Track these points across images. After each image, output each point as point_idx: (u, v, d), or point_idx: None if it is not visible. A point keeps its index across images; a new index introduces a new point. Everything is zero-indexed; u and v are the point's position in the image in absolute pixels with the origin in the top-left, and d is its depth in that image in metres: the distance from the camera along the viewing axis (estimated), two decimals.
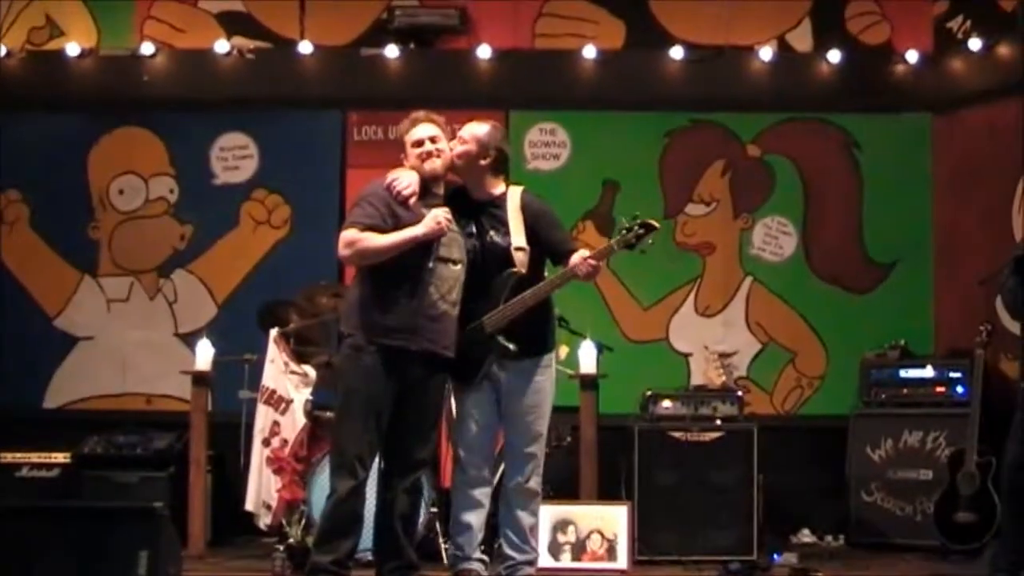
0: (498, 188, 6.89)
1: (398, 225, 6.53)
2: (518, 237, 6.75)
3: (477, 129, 6.85)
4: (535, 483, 6.89)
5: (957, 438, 8.81)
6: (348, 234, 6.55)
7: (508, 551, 6.91)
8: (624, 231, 6.63)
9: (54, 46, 10.22)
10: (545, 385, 6.87)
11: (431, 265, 6.54)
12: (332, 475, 6.63)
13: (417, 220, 6.53)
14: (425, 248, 6.53)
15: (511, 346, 6.68)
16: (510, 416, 6.83)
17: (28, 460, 9.06)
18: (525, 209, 6.81)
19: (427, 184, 6.71)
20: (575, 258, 6.62)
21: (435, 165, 6.70)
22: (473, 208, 6.83)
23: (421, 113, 6.82)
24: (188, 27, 10.23)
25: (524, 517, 6.87)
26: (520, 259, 6.71)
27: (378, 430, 6.54)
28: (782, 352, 10.01)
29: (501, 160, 6.89)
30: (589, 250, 6.78)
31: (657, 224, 6.61)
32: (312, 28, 10.15)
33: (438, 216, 6.52)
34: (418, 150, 6.70)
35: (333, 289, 8.75)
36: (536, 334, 6.83)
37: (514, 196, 6.86)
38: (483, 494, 6.89)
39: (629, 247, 6.63)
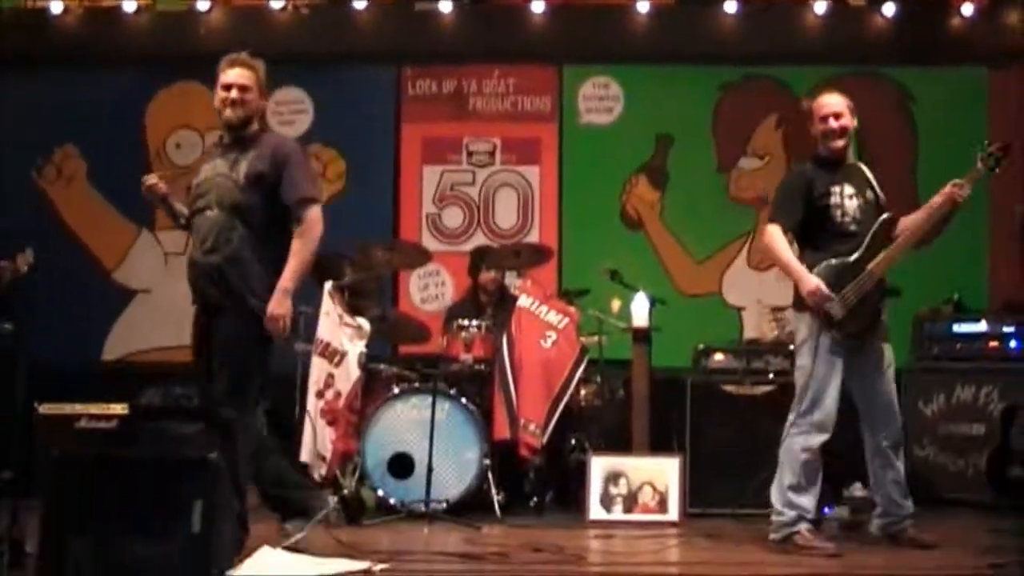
0: None
1: None
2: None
3: (847, 102, 7.02)
4: None
5: (1010, 393, 8.80)
6: None
7: (896, 500, 7.09)
8: (984, 155, 6.84)
9: (110, 2, 10.31)
10: None
11: (184, 221, 6.73)
12: None
13: None
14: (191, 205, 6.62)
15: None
16: (883, 368, 7.20)
17: (87, 412, 9.16)
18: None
19: (232, 129, 6.54)
20: (947, 187, 6.80)
21: (232, 114, 6.48)
22: (841, 171, 7.03)
23: (241, 56, 6.50)
24: None
25: (902, 470, 7.08)
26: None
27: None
28: None
29: None
30: None
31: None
32: None
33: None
34: (222, 94, 6.48)
35: (388, 243, 8.80)
36: None
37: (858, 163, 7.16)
38: None
39: (991, 170, 6.87)
